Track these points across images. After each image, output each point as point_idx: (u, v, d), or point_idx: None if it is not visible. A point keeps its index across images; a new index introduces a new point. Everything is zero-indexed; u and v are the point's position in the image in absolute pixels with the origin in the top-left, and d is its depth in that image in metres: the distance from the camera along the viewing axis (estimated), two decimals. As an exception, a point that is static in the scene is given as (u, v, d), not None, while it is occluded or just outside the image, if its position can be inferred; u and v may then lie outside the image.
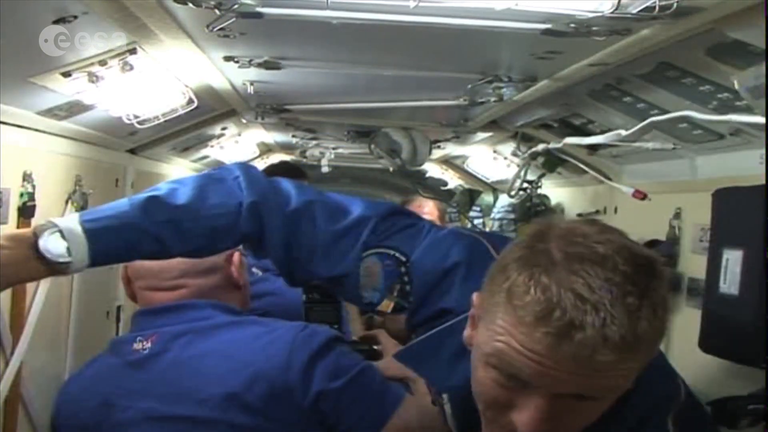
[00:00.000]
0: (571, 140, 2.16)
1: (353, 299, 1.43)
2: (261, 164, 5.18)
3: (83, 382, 1.61)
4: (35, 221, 2.11)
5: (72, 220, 1.29)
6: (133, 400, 1.49)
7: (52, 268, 1.26)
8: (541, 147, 2.47)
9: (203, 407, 1.44)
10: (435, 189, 4.80)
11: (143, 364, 1.51)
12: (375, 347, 1.90)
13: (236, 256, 1.68)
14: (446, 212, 3.97)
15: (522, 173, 2.92)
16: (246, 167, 1.45)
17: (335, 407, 1.45)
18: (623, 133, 1.79)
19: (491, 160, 3.63)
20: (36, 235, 1.25)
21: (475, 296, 1.06)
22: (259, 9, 1.33)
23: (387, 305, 1.37)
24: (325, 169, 4.07)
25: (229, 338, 1.51)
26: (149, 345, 1.52)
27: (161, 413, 1.46)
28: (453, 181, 4.70)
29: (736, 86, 1.33)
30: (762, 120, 1.36)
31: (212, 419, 1.43)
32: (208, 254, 1.43)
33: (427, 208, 3.98)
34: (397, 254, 1.36)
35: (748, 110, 1.47)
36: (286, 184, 1.45)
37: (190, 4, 1.30)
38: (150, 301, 1.60)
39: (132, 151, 3.00)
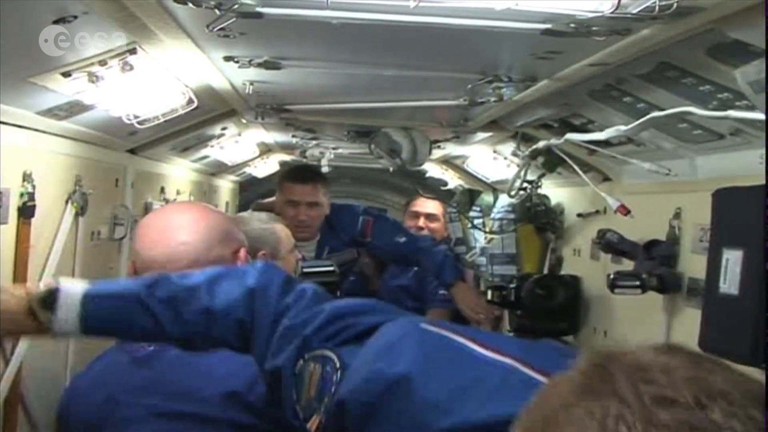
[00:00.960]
0: (571, 136, 2.16)
1: (287, 413, 1.15)
2: (261, 164, 5.17)
3: (90, 378, 1.63)
4: (35, 221, 2.12)
5: (78, 285, 1.28)
6: (137, 397, 1.50)
7: (40, 325, 1.25)
8: (542, 144, 2.47)
9: (205, 405, 1.45)
10: (435, 189, 4.80)
11: (148, 361, 1.52)
12: None
13: (242, 252, 1.67)
14: (447, 212, 3.97)
15: (522, 173, 2.92)
16: (272, 265, 1.34)
17: None
18: (622, 128, 1.79)
19: (491, 160, 3.63)
20: (34, 290, 1.26)
21: None
22: (259, 9, 1.33)
23: (314, 422, 1.09)
24: (325, 169, 4.07)
25: None
26: None
27: (165, 410, 1.47)
28: (453, 181, 4.69)
29: (738, 80, 1.32)
30: (761, 116, 1.36)
31: (214, 417, 1.44)
32: (203, 343, 1.30)
33: (431, 203, 3.99)
34: (336, 359, 1.10)
35: (749, 110, 1.47)
36: (308, 284, 1.29)
37: (190, 4, 1.30)
38: None
39: (132, 151, 3.00)
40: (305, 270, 2.50)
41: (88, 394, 1.58)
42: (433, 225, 4.01)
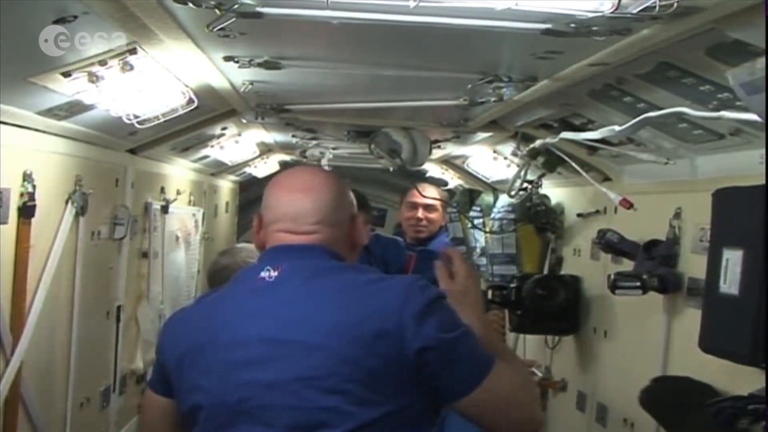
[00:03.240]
0: (567, 135, 2.16)
1: None
2: (261, 164, 5.17)
3: (200, 307, 1.65)
4: (35, 221, 2.12)
5: None
6: (247, 323, 1.52)
7: None
8: (539, 143, 2.47)
9: (316, 334, 1.47)
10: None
11: (265, 291, 1.54)
12: None
13: (360, 218, 1.74)
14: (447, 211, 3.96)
15: (522, 173, 2.92)
16: None
17: (440, 359, 1.47)
18: (617, 128, 1.79)
19: (491, 160, 3.63)
20: None
21: None
22: (259, 9, 1.33)
23: None
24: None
25: (349, 277, 1.57)
26: (276, 274, 1.55)
27: (273, 336, 1.49)
28: (453, 181, 4.70)
29: (730, 81, 1.32)
30: (755, 117, 1.36)
31: (322, 345, 1.46)
32: None
33: (428, 193, 3.95)
34: None
35: (748, 110, 1.47)
36: None
37: (190, 4, 1.30)
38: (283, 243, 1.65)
39: (132, 151, 3.00)
40: None
41: (190, 321, 1.60)
42: (432, 215, 3.99)
